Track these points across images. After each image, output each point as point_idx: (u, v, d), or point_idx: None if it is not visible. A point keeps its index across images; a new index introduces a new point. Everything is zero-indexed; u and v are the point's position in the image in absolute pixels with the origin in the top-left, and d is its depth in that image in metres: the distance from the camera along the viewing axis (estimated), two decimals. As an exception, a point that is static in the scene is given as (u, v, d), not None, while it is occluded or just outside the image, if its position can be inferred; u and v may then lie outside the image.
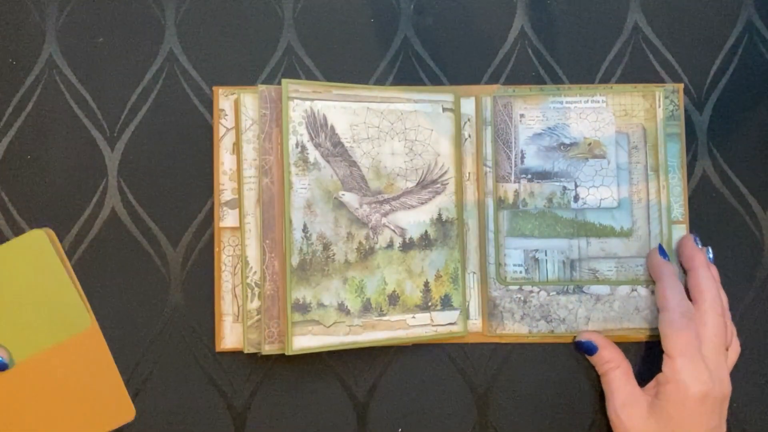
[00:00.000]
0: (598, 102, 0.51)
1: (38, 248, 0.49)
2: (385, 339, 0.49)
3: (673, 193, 0.51)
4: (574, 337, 0.50)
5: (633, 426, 0.46)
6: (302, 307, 0.48)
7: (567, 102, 0.51)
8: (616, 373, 0.48)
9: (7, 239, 0.50)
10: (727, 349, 0.47)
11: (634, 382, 0.48)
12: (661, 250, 0.49)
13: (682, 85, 0.52)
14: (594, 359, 0.49)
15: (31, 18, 0.52)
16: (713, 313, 0.46)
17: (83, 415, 0.48)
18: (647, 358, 0.51)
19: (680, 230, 0.51)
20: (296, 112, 0.49)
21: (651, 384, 0.47)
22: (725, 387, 0.46)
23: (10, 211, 0.51)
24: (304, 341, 0.47)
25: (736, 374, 0.51)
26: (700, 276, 0.48)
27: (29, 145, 0.51)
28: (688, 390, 0.44)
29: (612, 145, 0.51)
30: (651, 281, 0.50)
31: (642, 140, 0.51)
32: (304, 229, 0.48)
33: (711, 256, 0.50)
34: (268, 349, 0.48)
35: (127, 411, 0.49)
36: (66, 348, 0.48)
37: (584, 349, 0.49)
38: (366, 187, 0.50)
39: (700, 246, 0.50)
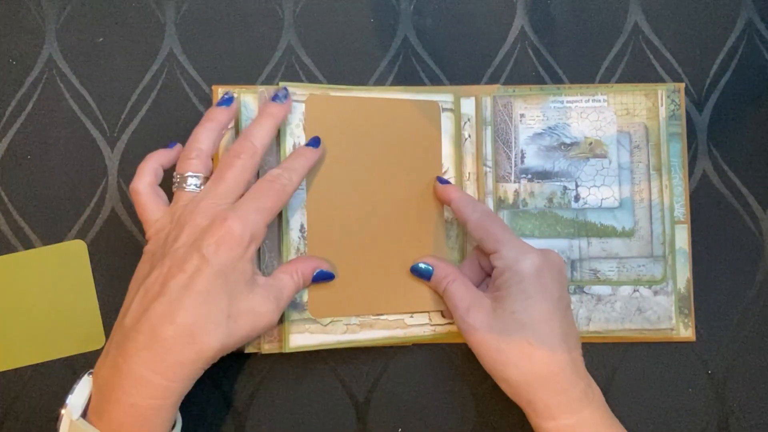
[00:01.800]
0: (599, 101, 0.51)
1: (76, 258, 0.50)
2: (382, 338, 0.49)
3: (674, 193, 0.51)
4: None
5: (482, 325, 0.44)
6: (299, 306, 0.48)
7: (567, 101, 0.51)
8: (456, 284, 0.46)
9: (7, 239, 0.50)
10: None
11: (474, 288, 0.46)
12: (440, 179, 0.50)
13: (683, 85, 0.52)
14: (432, 281, 0.48)
15: (31, 18, 0.52)
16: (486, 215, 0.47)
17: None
18: (649, 359, 0.51)
19: (682, 230, 0.51)
20: (293, 114, 0.49)
21: (489, 288, 0.46)
22: (554, 256, 0.46)
23: (10, 211, 0.50)
24: (301, 339, 0.47)
25: (736, 374, 0.51)
26: (453, 198, 0.48)
27: (29, 145, 0.51)
28: (521, 270, 0.44)
29: (613, 145, 0.51)
30: (652, 281, 0.50)
31: (644, 139, 0.51)
32: (301, 229, 0.48)
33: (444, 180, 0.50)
34: (267, 348, 0.48)
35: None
36: None
37: (420, 274, 0.48)
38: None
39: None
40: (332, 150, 0.49)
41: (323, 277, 0.47)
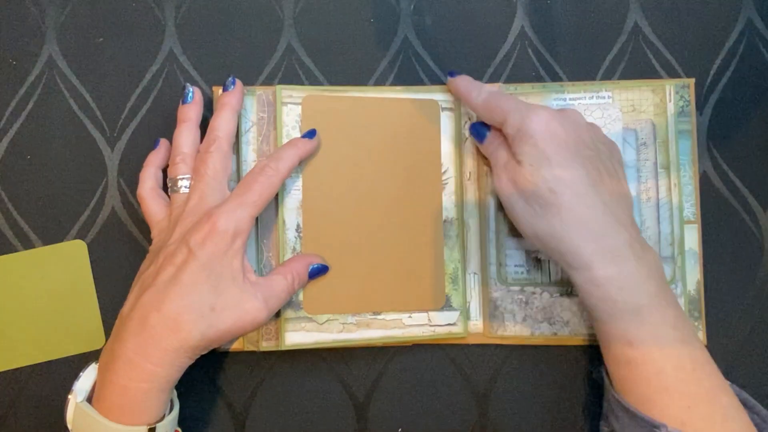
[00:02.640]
0: (604, 98, 0.51)
1: (76, 258, 0.50)
2: (379, 338, 0.49)
3: (683, 192, 0.51)
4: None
5: (507, 184, 0.44)
6: (295, 304, 0.48)
7: (570, 99, 0.51)
8: (503, 146, 0.46)
9: (7, 239, 0.50)
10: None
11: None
12: (450, 73, 0.50)
13: (693, 80, 0.52)
14: (485, 143, 0.48)
15: (31, 18, 0.52)
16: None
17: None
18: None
19: (692, 230, 0.51)
20: (290, 116, 0.49)
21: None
22: (568, 111, 0.45)
23: (10, 211, 0.50)
24: (297, 337, 0.48)
25: (736, 374, 0.51)
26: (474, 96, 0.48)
27: (29, 145, 0.51)
28: (529, 128, 0.43)
29: (619, 142, 0.50)
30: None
31: (651, 136, 0.51)
32: (297, 228, 0.48)
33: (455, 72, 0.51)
34: (265, 345, 0.48)
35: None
36: None
37: (478, 134, 0.48)
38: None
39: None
40: (329, 149, 0.49)
41: (319, 272, 0.48)
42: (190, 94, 0.48)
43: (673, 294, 0.43)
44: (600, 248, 0.41)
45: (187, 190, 0.47)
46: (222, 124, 0.47)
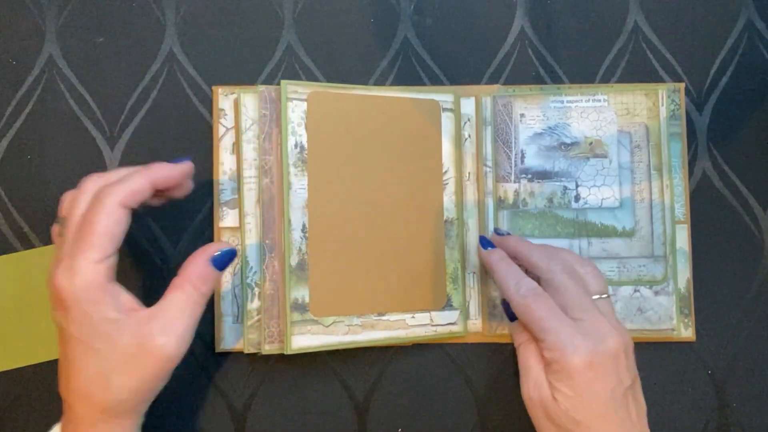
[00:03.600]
0: (600, 101, 0.51)
1: None
2: (384, 339, 0.49)
3: (675, 193, 0.51)
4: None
5: (538, 413, 0.43)
6: (301, 307, 0.47)
7: (568, 101, 0.51)
8: (532, 346, 0.44)
9: (7, 239, 0.50)
10: (602, 296, 0.44)
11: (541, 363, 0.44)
12: (483, 241, 0.48)
13: (683, 85, 0.52)
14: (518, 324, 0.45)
15: (31, 18, 0.52)
16: (556, 276, 0.44)
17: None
18: (649, 359, 0.51)
19: (682, 230, 0.51)
20: (295, 113, 0.49)
21: (545, 371, 0.44)
22: (610, 341, 0.42)
23: (10, 211, 0.50)
24: (303, 341, 0.47)
25: (736, 374, 0.51)
26: (523, 254, 0.46)
27: (29, 145, 0.51)
28: (569, 364, 0.41)
29: (614, 144, 0.51)
30: (653, 281, 0.50)
31: (644, 139, 0.51)
32: (303, 229, 0.48)
33: (502, 232, 0.49)
34: (268, 348, 0.48)
35: None
36: None
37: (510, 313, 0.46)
38: None
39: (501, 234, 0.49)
40: (334, 148, 0.49)
41: (228, 258, 0.42)
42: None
43: None
44: None
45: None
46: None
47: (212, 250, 0.42)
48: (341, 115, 0.49)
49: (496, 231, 0.50)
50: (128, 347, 0.38)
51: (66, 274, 0.38)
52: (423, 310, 0.50)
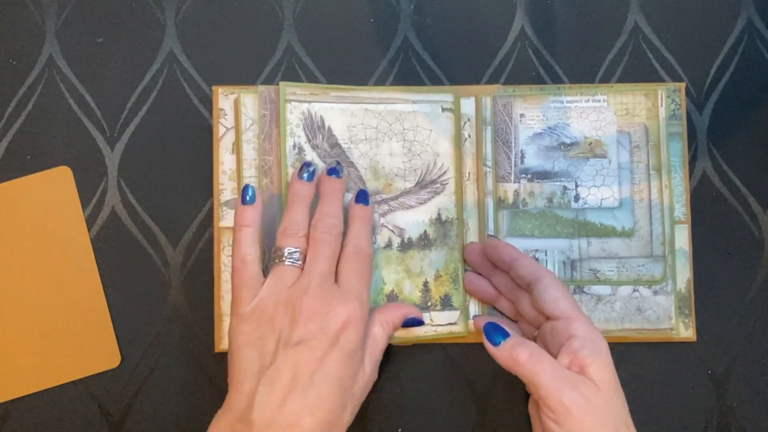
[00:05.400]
0: (599, 101, 0.51)
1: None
2: (384, 339, 0.49)
3: (674, 193, 0.51)
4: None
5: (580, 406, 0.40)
6: None
7: (567, 101, 0.51)
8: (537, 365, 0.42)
9: (7, 239, 0.50)
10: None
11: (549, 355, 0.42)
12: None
13: (683, 84, 0.52)
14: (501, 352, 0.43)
15: (31, 18, 0.52)
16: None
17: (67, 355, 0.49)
18: (649, 359, 0.51)
19: (682, 230, 0.51)
20: (293, 114, 0.49)
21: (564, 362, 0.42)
22: (604, 391, 0.41)
23: (10, 211, 0.51)
24: None
25: (736, 374, 0.51)
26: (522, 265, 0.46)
27: (29, 145, 0.51)
28: (562, 412, 0.39)
29: (613, 145, 0.51)
30: (652, 281, 0.50)
31: (644, 139, 0.51)
32: None
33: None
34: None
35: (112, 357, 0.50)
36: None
37: (491, 339, 0.44)
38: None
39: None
40: None
41: (412, 324, 0.48)
42: (312, 175, 0.47)
43: None
44: None
45: (296, 263, 0.44)
46: (332, 209, 0.46)
47: (410, 311, 0.48)
48: None
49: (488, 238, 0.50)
50: (362, 375, 0.44)
51: (357, 300, 0.44)
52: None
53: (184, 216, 0.51)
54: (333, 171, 0.47)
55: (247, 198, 0.46)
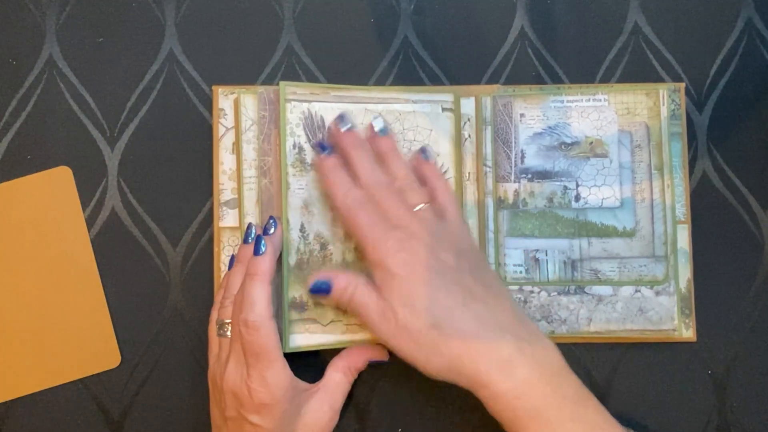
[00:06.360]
0: (600, 101, 0.51)
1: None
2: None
3: (676, 193, 0.51)
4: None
5: (387, 334, 0.43)
6: (299, 306, 0.48)
7: (568, 101, 0.51)
8: (363, 289, 0.44)
9: (7, 239, 0.50)
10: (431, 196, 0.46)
11: (376, 292, 0.44)
12: (321, 145, 0.48)
13: (683, 85, 0.52)
14: (333, 295, 0.45)
15: (31, 18, 0.52)
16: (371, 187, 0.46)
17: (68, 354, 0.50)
18: (649, 359, 0.51)
19: (683, 230, 0.51)
20: (293, 113, 0.49)
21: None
22: (416, 243, 0.43)
23: (10, 211, 0.51)
24: (301, 339, 0.47)
25: (736, 374, 0.51)
26: (353, 163, 0.47)
27: (29, 145, 0.51)
28: (389, 267, 0.43)
29: (614, 144, 0.51)
30: (654, 281, 0.50)
31: (645, 139, 0.51)
32: (302, 228, 0.48)
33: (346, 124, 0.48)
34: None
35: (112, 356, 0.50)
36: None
37: (321, 291, 0.45)
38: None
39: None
40: None
41: (376, 366, 0.49)
42: (262, 248, 0.46)
43: (573, 381, 0.42)
44: (492, 363, 0.41)
45: (223, 336, 0.46)
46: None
47: (373, 354, 0.48)
48: None
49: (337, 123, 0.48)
50: (304, 428, 0.45)
51: (262, 383, 0.43)
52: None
53: (184, 216, 0.51)
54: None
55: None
